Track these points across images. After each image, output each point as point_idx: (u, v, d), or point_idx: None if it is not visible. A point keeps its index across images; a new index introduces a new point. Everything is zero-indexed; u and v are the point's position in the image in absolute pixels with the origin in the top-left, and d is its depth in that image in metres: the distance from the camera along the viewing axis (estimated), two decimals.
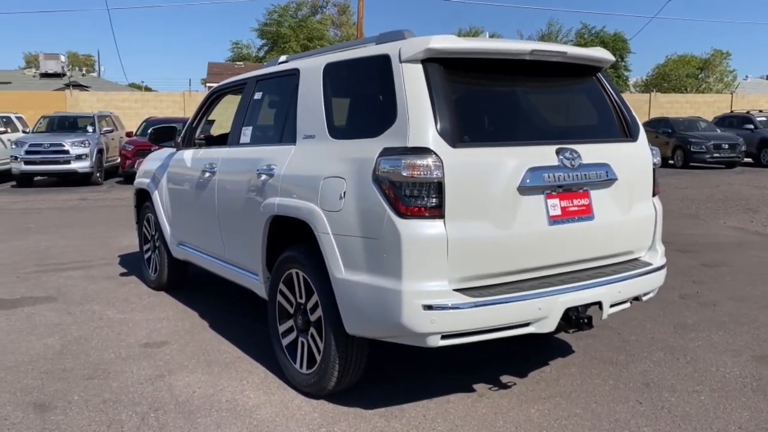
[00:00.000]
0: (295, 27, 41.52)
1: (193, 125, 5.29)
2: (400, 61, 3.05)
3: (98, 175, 16.77)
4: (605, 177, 3.34)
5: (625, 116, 3.64)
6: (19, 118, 19.33)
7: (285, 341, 3.71)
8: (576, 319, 3.17)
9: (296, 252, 3.52)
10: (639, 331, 4.62)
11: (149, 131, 5.59)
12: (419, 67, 3.02)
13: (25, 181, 16.39)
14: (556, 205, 3.18)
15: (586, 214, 3.30)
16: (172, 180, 5.35)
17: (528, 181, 3.05)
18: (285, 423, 3.28)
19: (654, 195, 3.71)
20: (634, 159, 3.59)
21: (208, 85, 35.06)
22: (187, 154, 5.12)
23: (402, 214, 2.86)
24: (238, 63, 38.84)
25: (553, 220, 3.16)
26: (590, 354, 4.17)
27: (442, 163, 2.86)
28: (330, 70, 3.58)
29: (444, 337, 2.91)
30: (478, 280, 3.02)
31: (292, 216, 3.47)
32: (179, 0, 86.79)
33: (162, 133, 5.35)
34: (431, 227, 2.86)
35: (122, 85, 45.28)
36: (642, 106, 27.24)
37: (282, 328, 3.75)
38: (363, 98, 3.39)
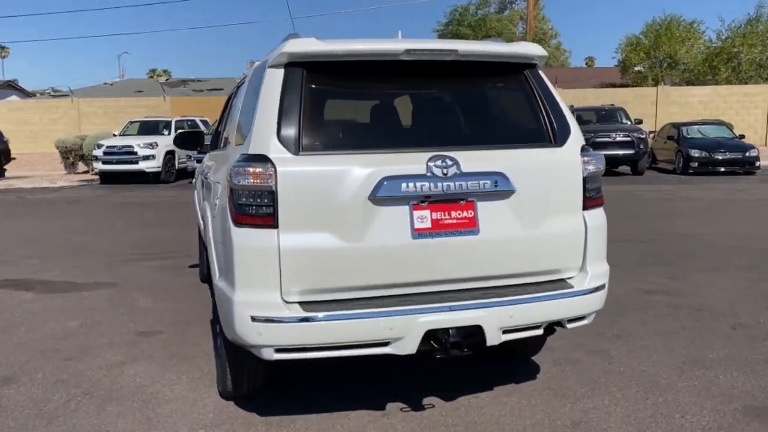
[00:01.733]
0: (474, 25, 41.34)
1: (218, 128, 5.59)
2: (267, 66, 3.01)
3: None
4: (493, 187, 2.97)
5: (551, 119, 3.21)
6: None
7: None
8: (448, 342, 2.89)
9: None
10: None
11: (174, 136, 5.87)
12: (280, 72, 2.96)
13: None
14: (424, 217, 2.91)
15: (467, 227, 2.97)
16: (197, 183, 5.72)
17: (381, 190, 2.83)
18: (175, 420, 3.40)
19: (587, 208, 3.23)
20: (551, 167, 3.15)
21: None
22: (206, 157, 5.44)
23: (237, 223, 2.83)
24: None
25: (419, 233, 2.90)
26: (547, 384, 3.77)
27: (275, 171, 2.77)
28: (250, 75, 3.61)
29: (279, 350, 2.83)
30: (328, 294, 2.88)
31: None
32: (360, 4, 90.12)
33: (187, 138, 5.67)
34: (262, 237, 2.79)
35: None
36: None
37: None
38: (248, 104, 3.40)
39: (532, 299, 3.03)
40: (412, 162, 2.88)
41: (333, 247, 2.82)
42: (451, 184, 2.90)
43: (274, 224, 2.79)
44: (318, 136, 2.94)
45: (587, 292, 3.18)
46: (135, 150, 17.65)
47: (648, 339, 4.47)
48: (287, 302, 2.82)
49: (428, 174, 2.87)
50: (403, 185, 2.84)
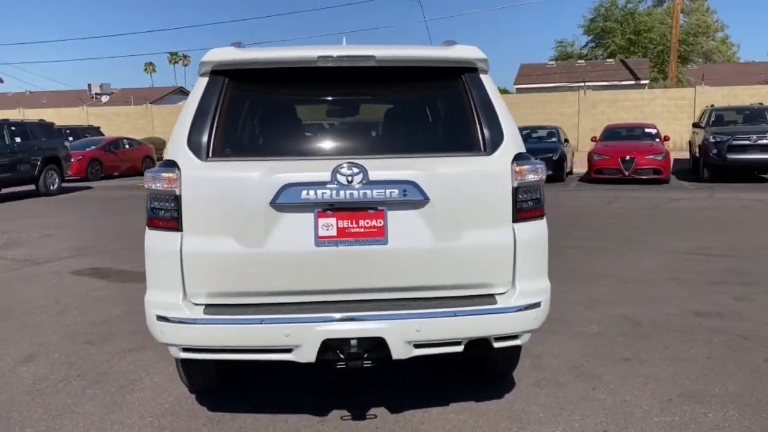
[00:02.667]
0: (621, 20, 39.21)
1: None
2: (199, 75, 3.14)
3: None
4: (401, 197, 2.86)
5: (482, 126, 3.03)
6: None
7: None
8: (349, 353, 2.85)
9: None
10: None
11: None
12: (205, 80, 3.07)
13: None
14: (330, 225, 2.87)
15: (375, 237, 2.89)
16: None
17: (281, 197, 2.84)
18: (135, 407, 3.63)
19: (519, 220, 3.01)
20: (475, 176, 2.97)
21: (516, 87, 35.43)
22: None
23: (149, 226, 2.98)
24: (549, 63, 38.34)
25: (322, 241, 2.87)
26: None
27: (180, 176, 2.88)
28: None
29: (185, 350, 2.93)
30: (232, 298, 2.94)
31: None
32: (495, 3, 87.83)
33: None
34: (167, 239, 2.92)
35: None
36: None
37: None
38: None
39: (444, 314, 2.88)
40: (318, 169, 2.85)
41: (234, 252, 2.88)
42: (355, 192, 2.83)
43: (178, 227, 2.90)
44: (230, 143, 3.01)
45: (515, 309, 2.96)
46: None
47: (657, 366, 4.04)
48: (195, 304, 2.92)
49: (333, 182, 2.84)
50: (304, 192, 2.83)
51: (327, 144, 3.18)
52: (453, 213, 2.92)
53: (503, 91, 31.93)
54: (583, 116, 26.15)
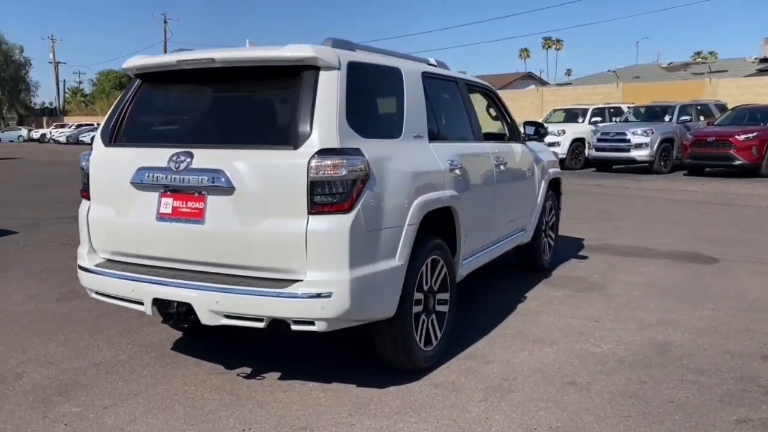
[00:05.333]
0: None
1: None
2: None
3: (662, 164, 17.05)
4: (210, 183, 3.23)
5: (296, 122, 3.18)
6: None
7: None
8: (170, 312, 3.39)
9: None
10: None
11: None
12: (133, 81, 3.88)
13: (600, 166, 18.24)
14: (168, 204, 3.41)
15: (196, 217, 3.32)
16: None
17: (134, 177, 3.48)
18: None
19: (315, 213, 3.10)
20: (275, 169, 3.16)
21: None
22: None
23: (81, 196, 3.92)
24: None
25: (161, 217, 3.42)
26: None
27: (89, 156, 3.75)
28: None
29: (96, 293, 3.79)
30: (116, 255, 3.71)
31: None
32: None
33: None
34: (83, 206, 3.83)
35: None
36: None
37: None
38: None
39: (243, 291, 3.19)
40: (162, 156, 3.43)
41: (110, 219, 3.65)
42: (178, 176, 3.34)
43: (88, 197, 3.78)
44: (125, 133, 3.76)
45: (303, 296, 3.10)
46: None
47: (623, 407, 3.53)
48: (103, 258, 3.76)
49: (168, 167, 3.38)
50: (146, 174, 3.44)
51: (176, 134, 3.72)
52: (255, 201, 3.20)
53: None
54: None
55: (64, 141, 46.72)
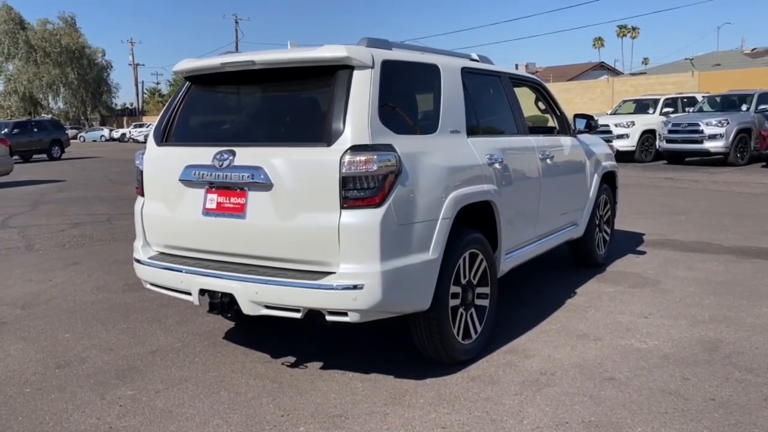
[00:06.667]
0: None
1: None
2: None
3: (738, 156, 16.36)
4: (250, 179, 3.39)
5: (330, 119, 3.29)
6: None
7: None
8: (214, 302, 3.57)
9: None
10: None
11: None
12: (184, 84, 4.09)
13: (672, 158, 17.64)
14: (213, 200, 3.59)
15: (238, 212, 3.49)
16: None
17: (182, 175, 3.67)
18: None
19: (347, 208, 3.20)
20: (310, 165, 3.28)
21: None
22: None
23: (136, 193, 4.16)
24: None
25: (207, 212, 3.61)
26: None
27: (143, 156, 3.98)
28: None
29: (151, 284, 4.03)
30: (168, 249, 3.93)
31: None
32: None
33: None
34: (138, 202, 4.06)
35: None
36: None
37: None
38: None
39: (281, 282, 3.34)
40: (207, 154, 3.61)
41: (162, 215, 3.87)
42: (222, 173, 3.52)
43: (143, 194, 4.02)
44: (177, 133, 3.96)
45: (339, 287, 3.22)
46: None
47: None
48: (156, 251, 3.99)
49: (213, 165, 3.56)
50: (193, 172, 3.63)
51: (220, 133, 3.90)
52: (291, 196, 3.33)
53: None
54: None
55: (143, 140, 48.79)
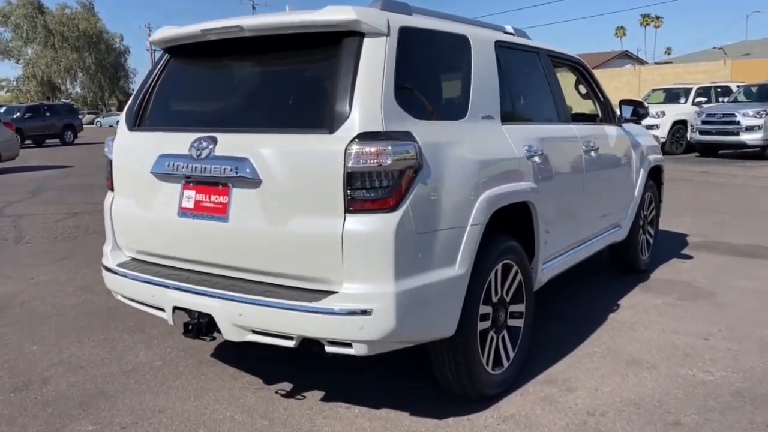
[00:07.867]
0: None
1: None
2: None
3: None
4: (234, 174, 2.71)
5: (335, 100, 2.59)
6: None
7: None
8: (191, 324, 2.92)
9: None
10: None
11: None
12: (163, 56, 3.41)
13: (705, 150, 16.76)
14: (190, 197, 2.92)
15: (219, 213, 2.82)
16: None
17: (155, 166, 3.00)
18: None
19: (353, 211, 2.51)
20: (309, 156, 2.59)
21: None
22: None
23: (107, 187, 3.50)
24: None
25: (183, 212, 2.94)
26: None
27: (112, 144, 3.32)
28: None
29: (123, 297, 3.37)
30: (142, 255, 3.27)
31: None
32: None
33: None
34: (107, 198, 3.40)
35: None
36: None
37: None
38: None
39: (270, 303, 2.67)
40: (185, 142, 2.93)
41: (133, 213, 3.21)
42: (200, 165, 2.84)
43: (112, 188, 3.36)
44: (152, 115, 3.28)
45: (342, 312, 2.54)
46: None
47: None
48: (128, 257, 3.34)
49: (190, 154, 2.89)
50: (167, 163, 2.96)
51: (202, 117, 3.20)
52: (283, 195, 2.66)
53: None
54: None
55: None
